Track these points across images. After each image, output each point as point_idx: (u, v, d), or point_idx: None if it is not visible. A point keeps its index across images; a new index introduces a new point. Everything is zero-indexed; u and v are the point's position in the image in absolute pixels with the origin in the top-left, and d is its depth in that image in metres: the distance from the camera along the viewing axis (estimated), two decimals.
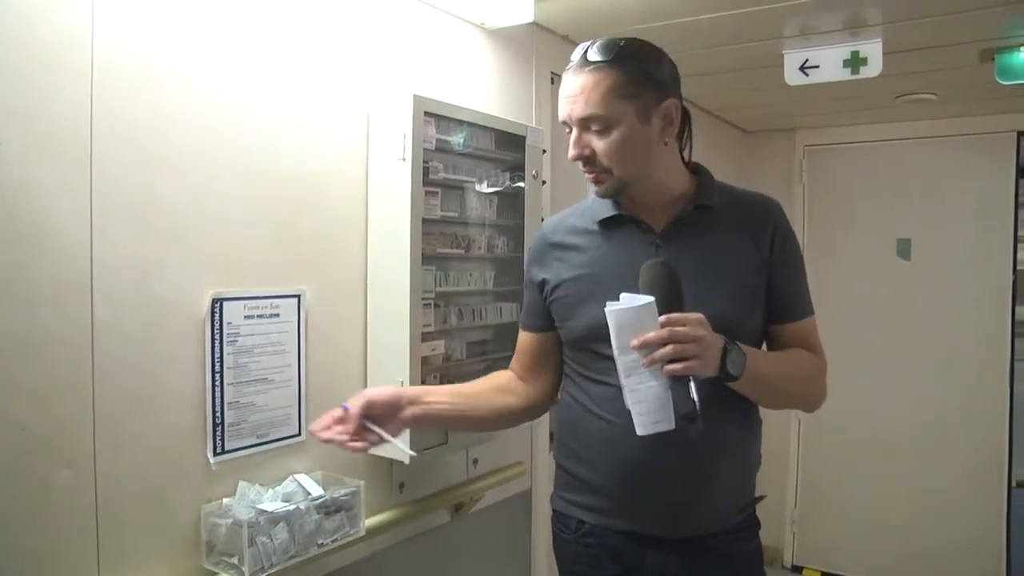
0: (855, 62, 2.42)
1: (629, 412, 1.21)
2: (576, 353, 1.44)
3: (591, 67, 1.29)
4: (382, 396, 1.36)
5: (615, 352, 1.21)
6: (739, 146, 3.92)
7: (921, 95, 3.08)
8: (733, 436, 1.39)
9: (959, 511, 3.57)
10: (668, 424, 1.18)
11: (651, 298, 1.18)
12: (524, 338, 1.55)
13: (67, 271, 1.23)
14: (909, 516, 3.67)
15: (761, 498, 1.48)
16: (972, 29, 2.28)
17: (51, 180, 1.21)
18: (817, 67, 2.48)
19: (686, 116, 1.41)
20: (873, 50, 2.38)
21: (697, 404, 1.15)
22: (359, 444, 1.32)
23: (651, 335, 1.16)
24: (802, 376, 1.41)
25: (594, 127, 1.30)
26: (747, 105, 3.38)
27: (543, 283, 1.46)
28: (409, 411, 1.37)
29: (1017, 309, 3.52)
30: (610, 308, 1.20)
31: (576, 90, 1.30)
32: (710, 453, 1.33)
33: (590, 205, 1.46)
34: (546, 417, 2.38)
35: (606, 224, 1.42)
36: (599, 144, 1.30)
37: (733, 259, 1.37)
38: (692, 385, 1.16)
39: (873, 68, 2.39)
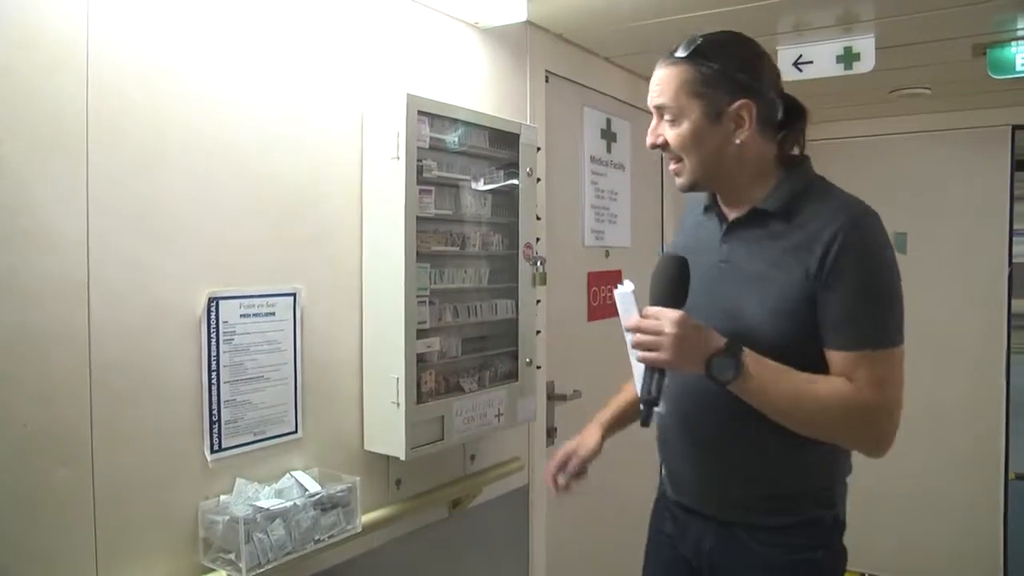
0: (848, 57, 2.43)
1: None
2: None
3: (671, 61, 1.39)
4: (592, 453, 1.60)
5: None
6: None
7: (915, 90, 3.09)
8: (754, 430, 1.34)
9: (956, 503, 3.58)
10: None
11: (632, 286, 1.32)
12: None
13: (64, 270, 1.24)
14: (906, 508, 3.69)
15: (826, 517, 1.40)
16: (964, 24, 2.29)
17: (48, 180, 1.22)
18: (811, 63, 2.49)
19: (799, 113, 1.43)
20: (866, 45, 2.40)
21: (656, 396, 1.26)
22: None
23: (630, 322, 1.30)
24: (821, 404, 1.27)
25: (667, 116, 1.40)
26: None
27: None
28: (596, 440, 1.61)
29: (1013, 302, 3.53)
30: (616, 291, 1.35)
31: (656, 80, 1.41)
32: (725, 439, 1.40)
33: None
34: (543, 413, 2.40)
35: (705, 210, 1.53)
36: (670, 134, 1.39)
37: (778, 271, 1.33)
38: (656, 376, 1.26)
39: (866, 64, 2.41)
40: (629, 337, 1.30)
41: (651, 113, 1.44)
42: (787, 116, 1.42)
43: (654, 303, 1.29)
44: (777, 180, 1.42)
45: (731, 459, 1.40)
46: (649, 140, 1.43)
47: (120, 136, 1.31)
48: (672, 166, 1.44)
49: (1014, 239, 3.52)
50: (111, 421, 1.30)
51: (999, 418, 3.52)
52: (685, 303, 1.30)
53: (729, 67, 1.36)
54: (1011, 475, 3.58)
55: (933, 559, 3.63)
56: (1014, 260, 3.56)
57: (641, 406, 1.28)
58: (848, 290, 1.28)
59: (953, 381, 3.60)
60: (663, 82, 1.39)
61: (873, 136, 3.74)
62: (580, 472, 1.59)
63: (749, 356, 1.26)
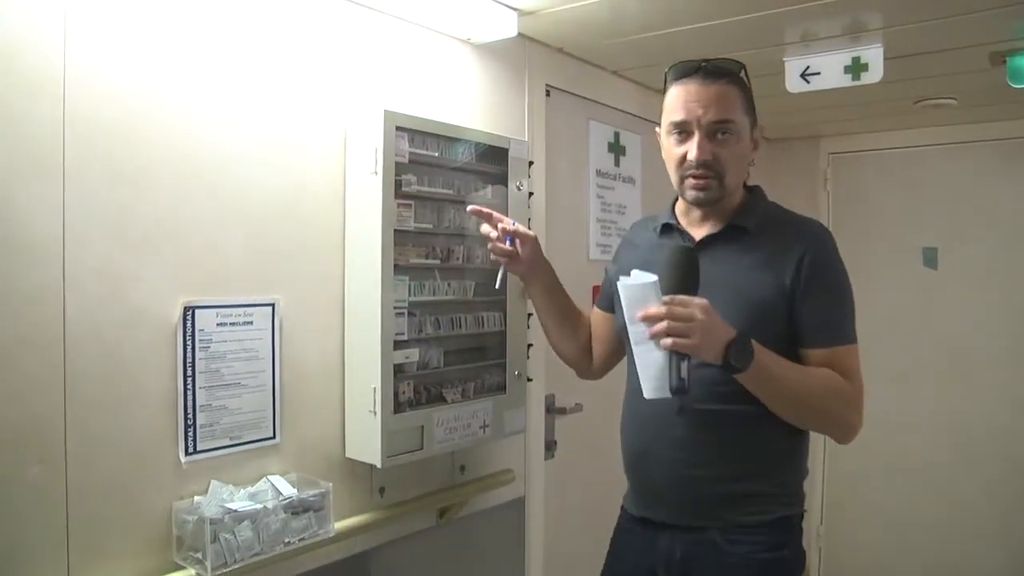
0: (856, 68, 2.38)
1: (642, 404, 1.39)
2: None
3: (721, 80, 1.44)
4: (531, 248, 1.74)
5: (627, 322, 1.34)
6: (761, 153, 3.85)
7: (940, 100, 2.99)
8: (731, 435, 1.46)
9: (989, 530, 3.41)
10: (667, 392, 1.31)
11: (655, 277, 1.32)
12: (593, 311, 1.88)
13: (39, 279, 1.31)
14: (938, 535, 3.53)
15: (794, 516, 1.52)
16: (978, 31, 2.21)
17: (25, 195, 1.29)
18: (818, 74, 2.45)
19: None
20: (874, 55, 2.34)
21: (686, 381, 1.27)
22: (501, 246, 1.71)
23: (651, 310, 1.29)
24: (818, 390, 1.41)
25: (721, 135, 1.45)
26: (764, 112, 3.32)
27: (615, 272, 1.63)
28: (540, 253, 1.75)
29: None
30: (622, 283, 1.34)
31: (707, 97, 1.43)
32: (702, 447, 1.47)
33: (660, 213, 1.66)
34: (541, 426, 2.40)
35: (663, 231, 1.61)
36: (724, 151, 1.45)
37: (755, 277, 1.46)
38: (684, 363, 1.27)
39: (874, 74, 2.35)
40: (640, 328, 1.30)
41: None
42: None
43: (671, 292, 1.31)
44: (744, 200, 1.56)
45: (721, 455, 1.47)
46: (700, 156, 1.44)
47: (96, 153, 1.38)
48: (702, 181, 1.47)
49: None
50: (85, 421, 1.36)
51: None
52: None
53: (751, 94, 1.51)
54: None
55: None
56: None
57: (672, 395, 1.30)
58: (821, 294, 1.43)
59: (987, 402, 3.43)
60: (722, 98, 1.43)
61: (902, 148, 3.62)
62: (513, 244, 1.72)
63: (755, 344, 1.34)
